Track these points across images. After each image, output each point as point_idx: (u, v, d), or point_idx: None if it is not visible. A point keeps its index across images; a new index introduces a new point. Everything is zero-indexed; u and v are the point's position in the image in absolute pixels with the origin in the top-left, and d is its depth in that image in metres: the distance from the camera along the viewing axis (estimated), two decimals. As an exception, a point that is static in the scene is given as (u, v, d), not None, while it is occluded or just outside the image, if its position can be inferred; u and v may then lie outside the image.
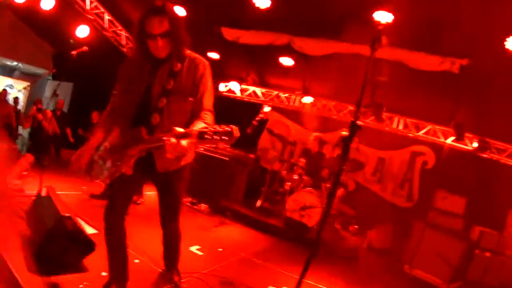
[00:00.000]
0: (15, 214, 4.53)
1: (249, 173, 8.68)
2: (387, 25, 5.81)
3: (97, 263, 3.52)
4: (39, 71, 12.53)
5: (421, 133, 8.68)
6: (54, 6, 8.18)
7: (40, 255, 3.44)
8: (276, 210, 7.99)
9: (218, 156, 8.16)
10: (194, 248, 5.13)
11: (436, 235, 6.61)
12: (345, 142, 3.19)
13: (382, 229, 7.71)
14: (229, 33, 8.01)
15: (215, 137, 2.39)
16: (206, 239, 5.79)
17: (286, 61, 8.48)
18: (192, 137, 2.48)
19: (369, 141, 8.96)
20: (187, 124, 2.72)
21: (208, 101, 2.94)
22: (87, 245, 3.60)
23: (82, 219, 4.52)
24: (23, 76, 13.07)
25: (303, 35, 7.39)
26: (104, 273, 3.35)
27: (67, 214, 3.59)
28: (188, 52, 2.98)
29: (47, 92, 12.05)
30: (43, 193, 4.27)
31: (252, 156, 8.78)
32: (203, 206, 7.67)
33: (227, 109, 9.74)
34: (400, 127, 8.89)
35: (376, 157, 9.16)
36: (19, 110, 10.91)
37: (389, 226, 7.71)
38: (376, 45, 3.13)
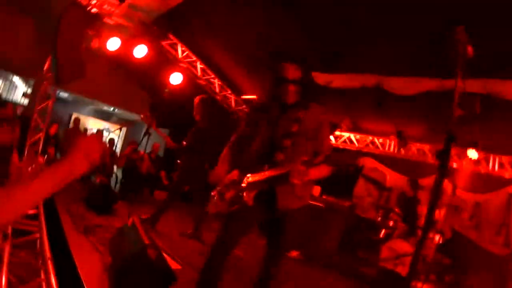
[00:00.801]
0: (99, 242, 4.71)
1: (344, 221, 8.40)
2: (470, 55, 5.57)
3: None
4: (135, 116, 13.22)
5: (517, 172, 8.11)
6: (147, 55, 8.63)
7: (119, 282, 3.44)
8: (370, 258, 7.77)
9: (312, 203, 8.08)
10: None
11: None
12: (440, 157, 2.80)
13: (480, 280, 7.28)
14: (321, 78, 7.99)
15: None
16: (295, 285, 5.71)
17: (376, 103, 8.30)
18: (317, 167, 2.89)
19: (464, 184, 8.53)
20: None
21: (326, 146, 3.20)
22: (169, 277, 3.51)
23: (167, 253, 4.57)
24: (119, 121, 13.87)
25: (393, 74, 7.19)
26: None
27: (151, 243, 3.58)
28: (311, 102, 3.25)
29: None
30: (129, 223, 4.27)
31: (347, 204, 8.61)
32: (294, 253, 7.62)
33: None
34: (496, 166, 8.36)
35: (473, 202, 8.68)
36: (114, 151, 11.55)
37: (488, 276, 7.27)
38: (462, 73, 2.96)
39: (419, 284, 6.40)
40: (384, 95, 7.69)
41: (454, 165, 8.34)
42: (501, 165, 8.37)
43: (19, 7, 9.04)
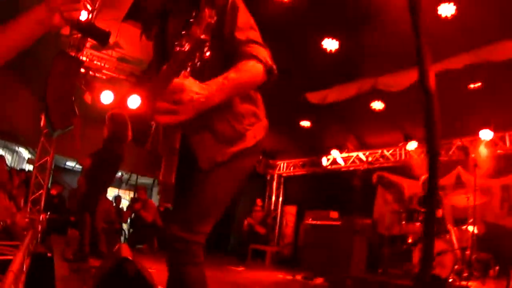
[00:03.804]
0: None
1: (368, 240, 7.82)
2: (452, 18, 5.44)
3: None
4: (144, 180, 13.19)
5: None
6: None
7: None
8: (403, 270, 7.04)
9: (329, 223, 7.67)
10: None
11: None
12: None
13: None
14: (314, 97, 7.79)
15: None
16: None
17: (378, 105, 8.14)
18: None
19: (486, 171, 7.83)
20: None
21: (245, 31, 1.89)
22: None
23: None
24: (130, 187, 13.87)
25: (382, 70, 6.95)
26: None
27: (130, 258, 3.28)
28: None
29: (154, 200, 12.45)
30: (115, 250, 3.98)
31: (367, 221, 8.12)
32: (318, 280, 7.08)
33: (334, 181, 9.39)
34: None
35: (499, 186, 8.06)
36: (121, 208, 11.37)
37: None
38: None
39: (464, 282, 5.93)
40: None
41: (472, 155, 7.99)
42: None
43: (24, 84, 9.19)
